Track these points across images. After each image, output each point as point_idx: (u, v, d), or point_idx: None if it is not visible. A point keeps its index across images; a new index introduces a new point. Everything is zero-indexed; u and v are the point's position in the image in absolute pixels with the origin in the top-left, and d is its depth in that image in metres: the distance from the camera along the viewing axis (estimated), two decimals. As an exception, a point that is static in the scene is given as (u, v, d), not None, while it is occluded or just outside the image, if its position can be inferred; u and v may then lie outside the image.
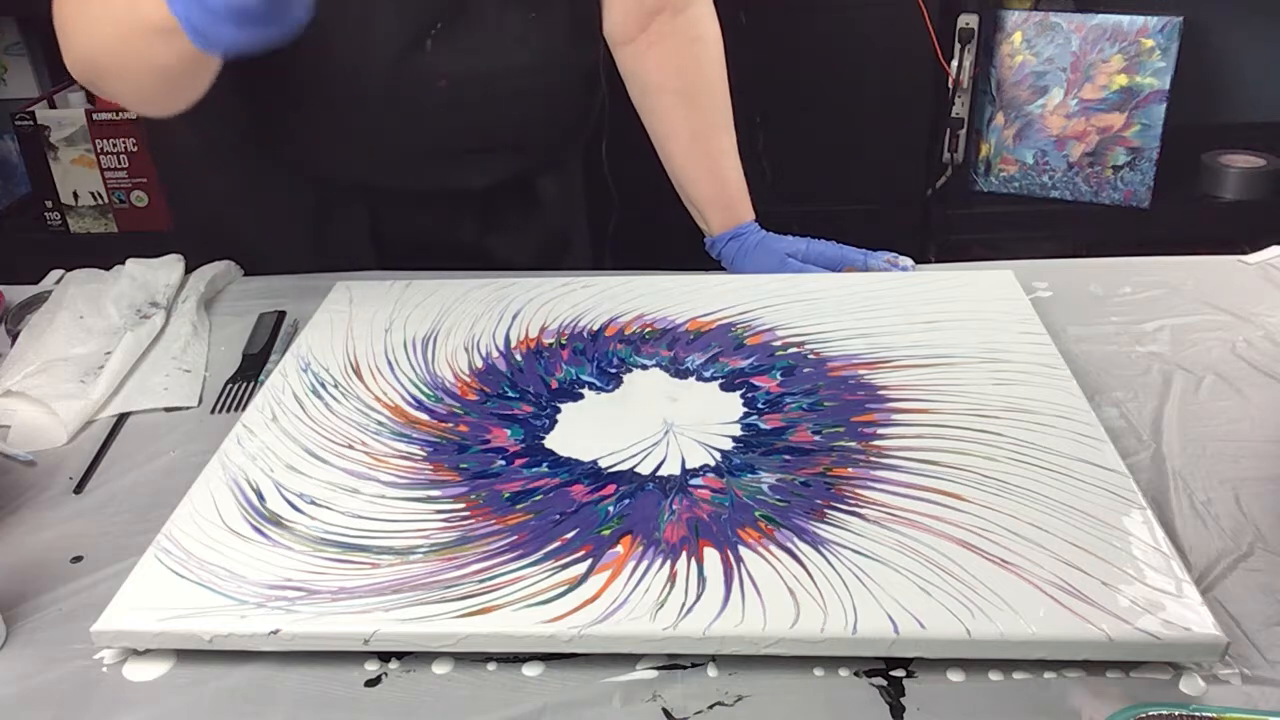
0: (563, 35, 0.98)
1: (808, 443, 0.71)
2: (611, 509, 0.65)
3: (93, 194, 1.87)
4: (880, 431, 0.72)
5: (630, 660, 0.57)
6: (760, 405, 0.76)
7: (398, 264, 1.02)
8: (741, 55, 1.09)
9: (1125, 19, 1.68)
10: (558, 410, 0.76)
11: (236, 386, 0.85)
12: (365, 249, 1.03)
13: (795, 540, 0.61)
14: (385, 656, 0.58)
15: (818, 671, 0.56)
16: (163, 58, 0.73)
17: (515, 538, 0.63)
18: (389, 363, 0.83)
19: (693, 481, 0.67)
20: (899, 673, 0.56)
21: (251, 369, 0.87)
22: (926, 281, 0.92)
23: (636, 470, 0.69)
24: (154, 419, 0.82)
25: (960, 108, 1.78)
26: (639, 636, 0.56)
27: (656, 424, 0.74)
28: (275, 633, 0.57)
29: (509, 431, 0.74)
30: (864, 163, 1.79)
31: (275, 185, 1.01)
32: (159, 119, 1.07)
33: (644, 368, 0.81)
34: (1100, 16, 1.70)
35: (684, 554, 0.61)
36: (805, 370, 0.80)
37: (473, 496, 0.67)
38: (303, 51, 0.79)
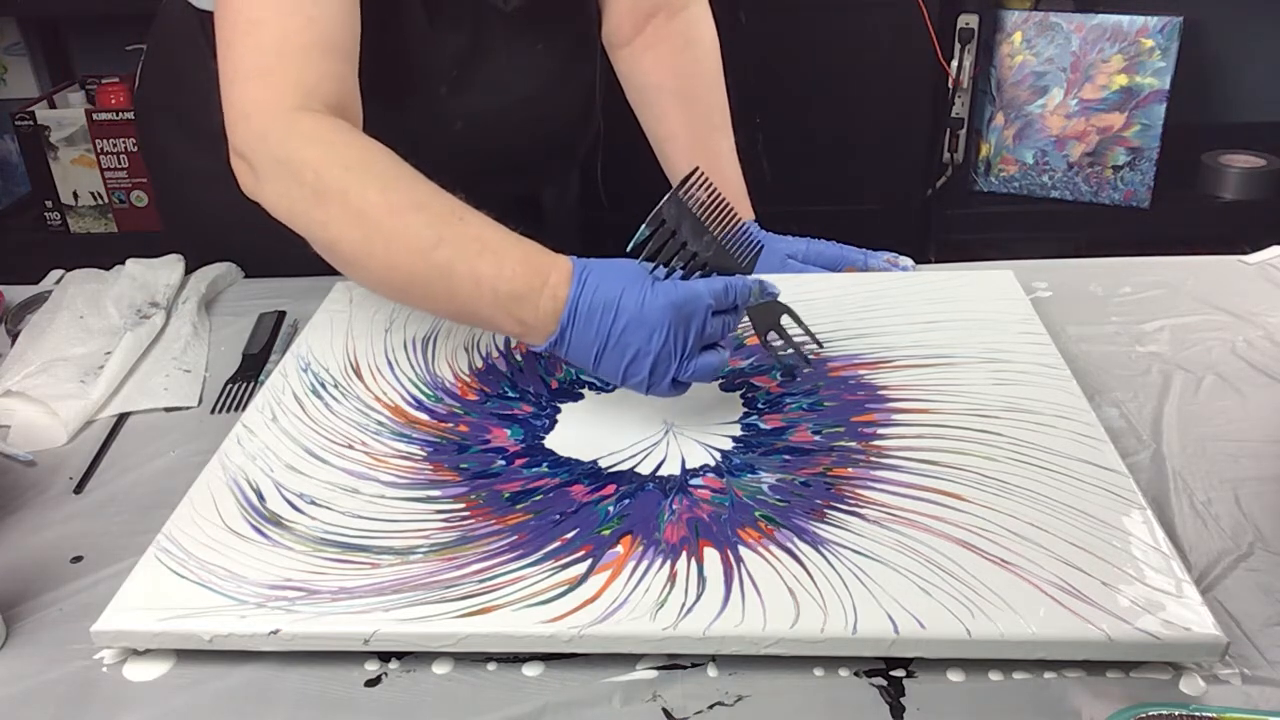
0: (567, 57, 0.98)
1: (808, 443, 0.71)
2: (611, 509, 0.65)
3: (93, 194, 1.87)
4: (880, 431, 0.72)
5: (630, 660, 0.57)
6: (760, 405, 0.76)
7: None
8: (742, 55, 1.09)
9: (1125, 19, 1.68)
10: (558, 410, 0.76)
11: (236, 386, 0.85)
12: None
13: (795, 540, 0.61)
14: (385, 656, 0.58)
15: (818, 671, 0.56)
16: (485, 326, 0.71)
17: (515, 538, 0.63)
18: (389, 363, 0.83)
19: (693, 481, 0.67)
20: (899, 673, 0.56)
21: (251, 369, 0.87)
22: (926, 281, 0.92)
23: (636, 470, 0.69)
24: (154, 419, 0.82)
25: (960, 108, 1.78)
26: (639, 636, 0.56)
27: (656, 424, 0.74)
28: (275, 633, 0.57)
29: (509, 431, 0.74)
30: (864, 163, 1.79)
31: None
32: (153, 130, 1.07)
33: (644, 368, 0.81)
34: (1100, 16, 1.70)
35: (684, 554, 0.61)
36: (805, 370, 0.80)
37: (473, 496, 0.67)
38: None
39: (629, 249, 0.68)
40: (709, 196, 0.70)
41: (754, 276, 0.72)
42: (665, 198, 0.68)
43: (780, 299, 0.76)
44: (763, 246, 0.74)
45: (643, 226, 0.67)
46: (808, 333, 0.80)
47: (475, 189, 0.89)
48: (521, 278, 0.67)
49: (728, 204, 0.71)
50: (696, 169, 0.70)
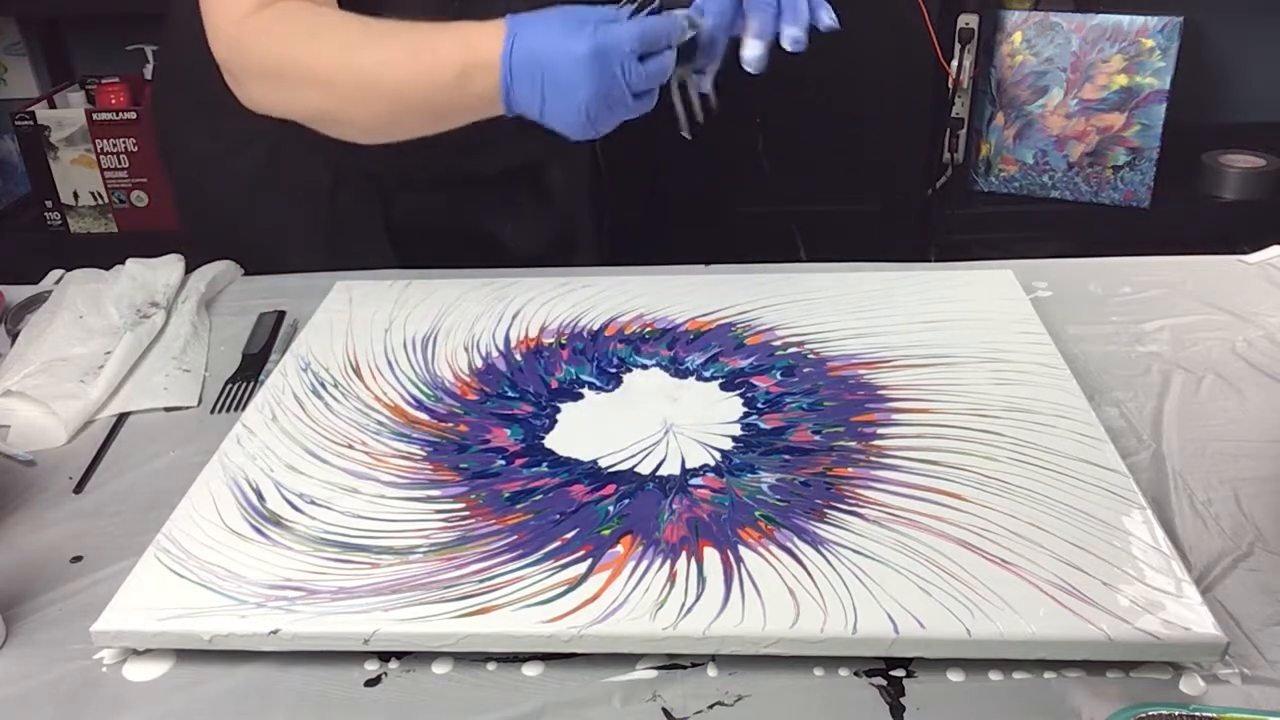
0: None
1: (808, 443, 0.71)
2: (611, 509, 0.65)
3: (93, 194, 1.87)
4: (880, 431, 0.72)
5: (630, 660, 0.57)
6: (760, 405, 0.76)
7: (410, 253, 1.03)
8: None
9: (1125, 19, 1.68)
10: (558, 410, 0.76)
11: (236, 386, 0.85)
12: (379, 237, 1.04)
13: (795, 540, 0.61)
14: (385, 656, 0.58)
15: (818, 671, 0.56)
16: (464, 115, 0.78)
17: (515, 538, 0.63)
18: (389, 363, 0.83)
19: (692, 481, 0.67)
20: (899, 673, 0.56)
21: (251, 369, 0.87)
22: (926, 281, 0.92)
23: (636, 470, 0.69)
24: (154, 419, 0.82)
25: (960, 108, 1.78)
26: (639, 636, 0.56)
27: (656, 424, 0.74)
28: (275, 633, 0.57)
29: (509, 431, 0.74)
30: (864, 163, 1.78)
31: (290, 172, 1.02)
32: (168, 114, 1.08)
33: (644, 367, 0.81)
34: (1100, 16, 1.70)
35: (684, 554, 0.61)
36: (805, 370, 0.80)
37: (472, 496, 0.67)
38: None
39: None
40: None
41: (682, 12, 0.75)
42: None
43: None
44: None
45: None
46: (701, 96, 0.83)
47: (477, 151, 0.91)
48: (458, 56, 0.73)
49: None
50: None
